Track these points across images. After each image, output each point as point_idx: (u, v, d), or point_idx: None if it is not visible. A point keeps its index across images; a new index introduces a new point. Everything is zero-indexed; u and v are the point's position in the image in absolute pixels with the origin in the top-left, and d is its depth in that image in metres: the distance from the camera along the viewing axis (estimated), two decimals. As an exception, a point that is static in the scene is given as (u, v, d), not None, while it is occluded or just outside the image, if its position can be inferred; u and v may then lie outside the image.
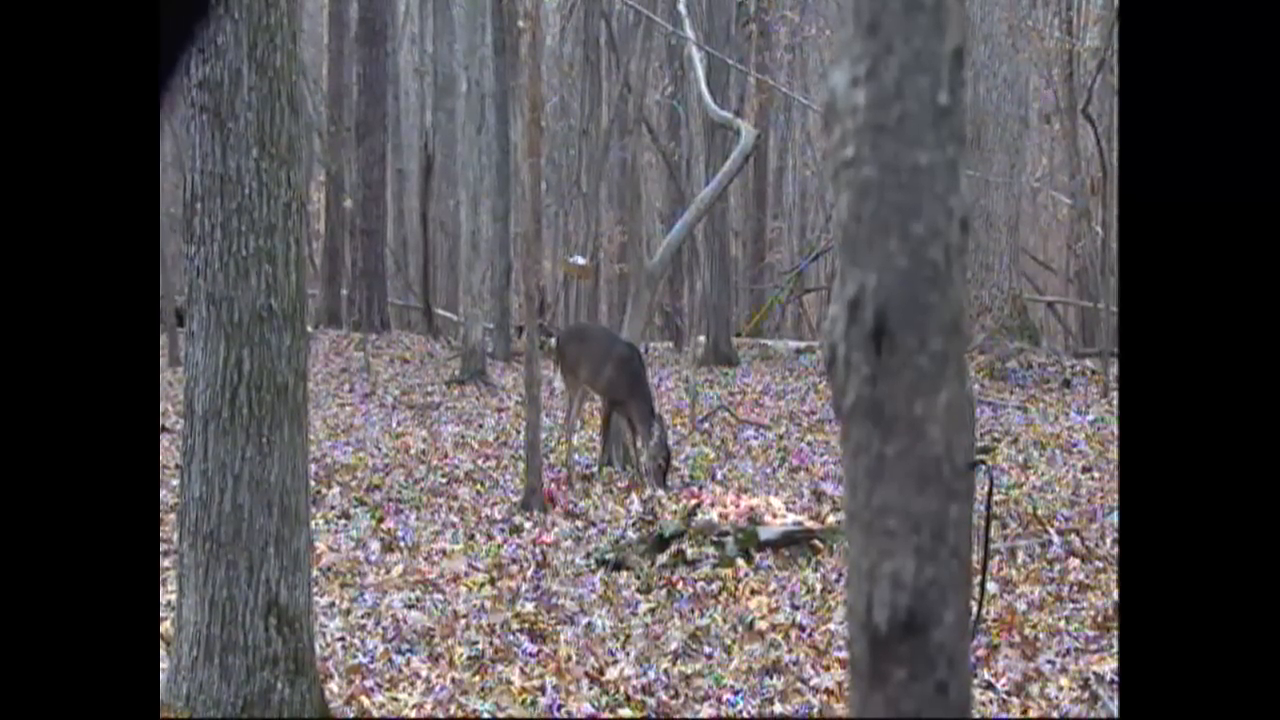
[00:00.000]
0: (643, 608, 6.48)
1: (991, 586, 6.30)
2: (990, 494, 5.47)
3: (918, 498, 1.64)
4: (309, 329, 4.93)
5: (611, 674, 5.49)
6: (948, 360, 1.66)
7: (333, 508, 8.91)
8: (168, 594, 5.03)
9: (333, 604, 6.56)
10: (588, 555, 7.53)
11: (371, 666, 5.62)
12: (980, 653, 5.53)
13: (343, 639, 6.00)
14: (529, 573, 7.21)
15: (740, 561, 7.12)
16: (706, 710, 5.11)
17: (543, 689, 5.33)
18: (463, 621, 6.24)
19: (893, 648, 1.67)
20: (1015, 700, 5.16)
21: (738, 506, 7.59)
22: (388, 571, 7.24)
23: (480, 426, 12.83)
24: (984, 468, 5.08)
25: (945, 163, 1.63)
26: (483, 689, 5.35)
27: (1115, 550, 7.13)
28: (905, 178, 1.62)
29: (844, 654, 5.51)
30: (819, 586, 6.69)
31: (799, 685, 5.35)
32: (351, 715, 5.07)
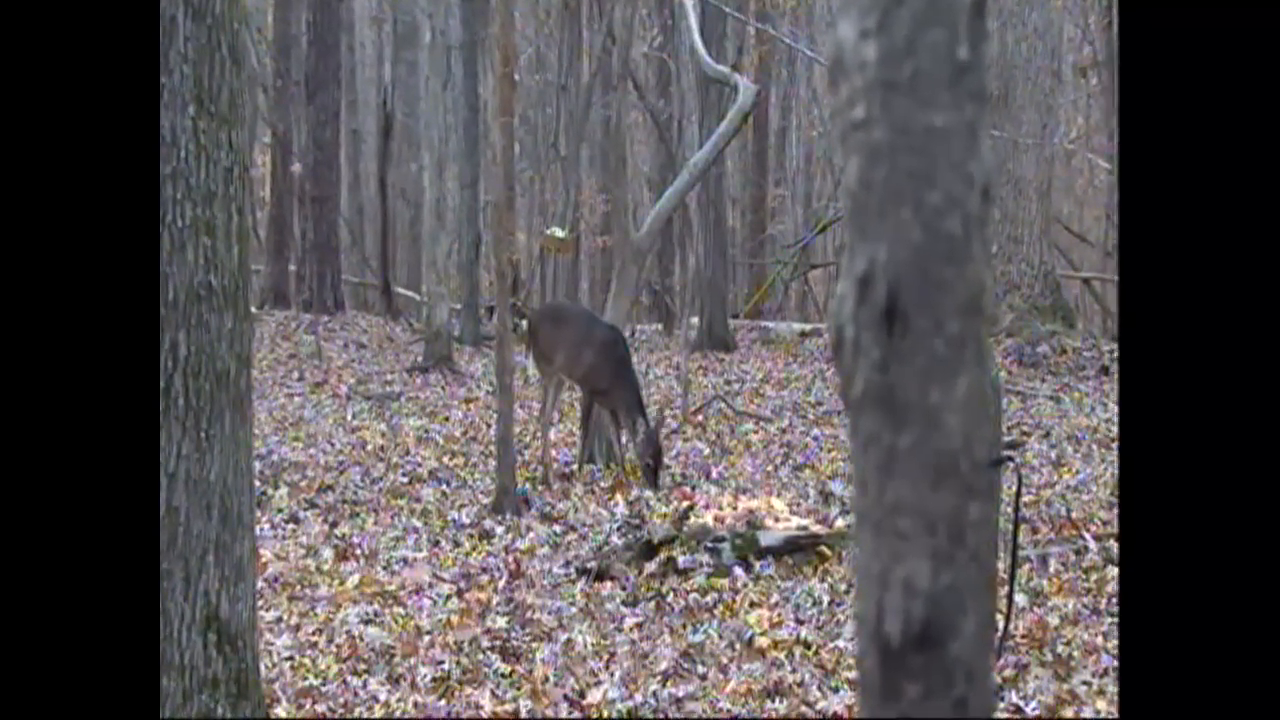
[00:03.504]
0: (629, 622, 6.51)
1: (1020, 598, 6.34)
2: (1018, 494, 5.50)
3: (933, 495, 1.66)
4: (253, 309, 4.93)
5: (594, 696, 5.52)
6: (966, 343, 1.68)
7: (279, 511, 8.92)
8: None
9: (280, 619, 6.58)
10: (567, 564, 7.56)
11: (324, 689, 5.64)
12: (1008, 672, 5.56)
13: (291, 658, 6.02)
14: (501, 583, 7.23)
15: (738, 570, 7.15)
16: (700, 736, 5.14)
17: (516, 714, 5.35)
18: (426, 638, 6.26)
19: (906, 661, 1.69)
20: (1046, 725, 5.20)
21: (735, 509, 7.62)
22: (342, 582, 7.26)
23: (446, 419, 12.84)
24: (1011, 465, 5.11)
25: (964, 125, 1.65)
26: (449, 714, 5.37)
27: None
28: (919, 141, 1.64)
29: (855, 674, 5.54)
30: (826, 598, 6.72)
31: (804, 709, 5.38)
32: (302, 743, 5.09)
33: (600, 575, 7.27)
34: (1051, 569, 7.06)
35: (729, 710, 5.37)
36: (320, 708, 5.42)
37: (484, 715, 5.36)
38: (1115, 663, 5.75)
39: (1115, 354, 15.27)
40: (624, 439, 10.05)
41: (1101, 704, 5.35)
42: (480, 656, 6.01)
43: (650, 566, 7.26)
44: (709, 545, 7.30)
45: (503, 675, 5.79)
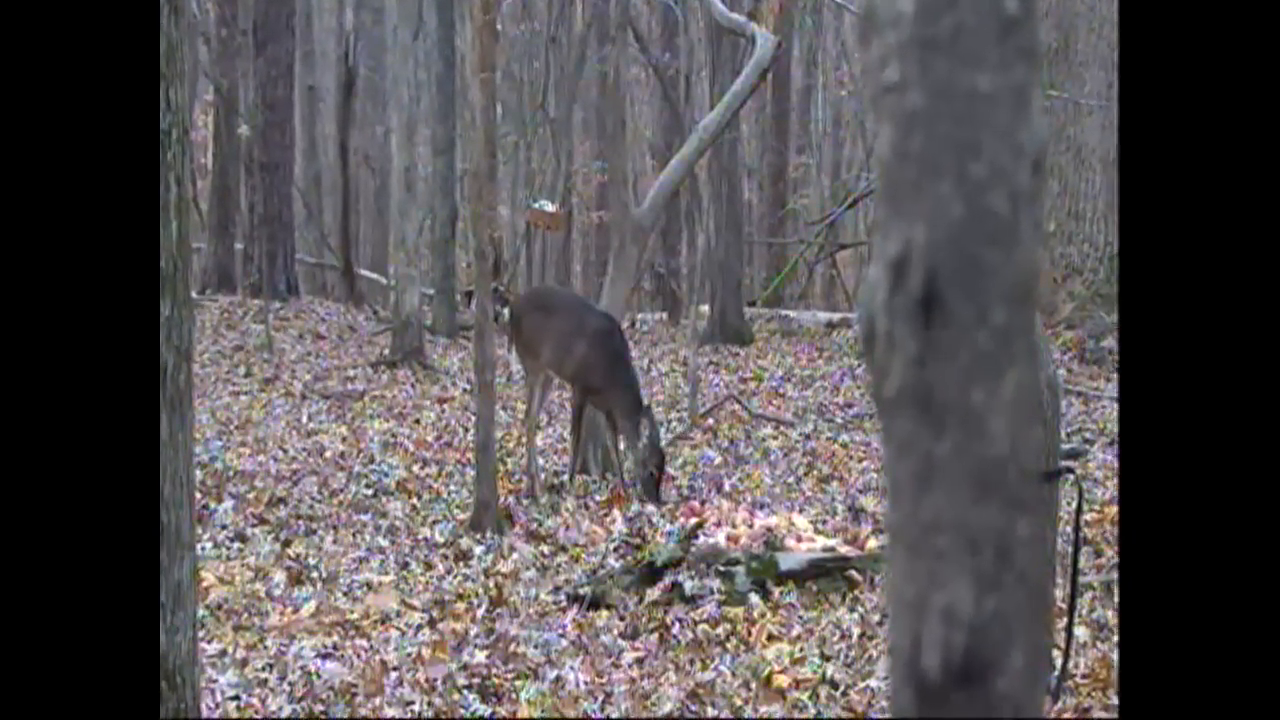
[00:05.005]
0: (628, 657, 6.52)
1: (1080, 632, 6.35)
2: (1078, 511, 5.51)
3: (976, 509, 1.68)
4: (193, 294, 4.95)
5: (587, 742, 5.54)
6: (1015, 336, 1.70)
7: (224, 527, 8.94)
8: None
9: (224, 652, 6.60)
10: (556, 589, 7.57)
11: (276, 733, 5.66)
12: (1066, 716, 5.58)
13: (237, 697, 6.03)
14: (480, 612, 7.24)
15: (754, 598, 7.16)
16: (710, 789, 5.16)
17: (498, 762, 5.37)
18: (394, 675, 6.28)
19: (947, 698, 1.71)
20: (1108, 776, 5.22)
21: (751, 527, 7.63)
22: (296, 610, 7.28)
23: (417, 422, 12.86)
24: (1070, 477, 5.12)
25: (1012, 88, 1.67)
26: (420, 762, 5.39)
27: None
28: (962, 106, 1.66)
29: (888, 715, 5.56)
30: (856, 630, 6.74)
31: (829, 757, 5.40)
32: (250, 795, 5.11)
33: (595, 603, 7.28)
34: (1117, 598, 7.07)
35: (743, 759, 5.39)
36: (271, 755, 5.44)
37: (460, 764, 5.39)
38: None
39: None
40: (622, 445, 10.06)
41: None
42: (456, 696, 6.03)
43: (652, 593, 7.27)
44: (720, 569, 7.31)
45: (482, 718, 5.81)
